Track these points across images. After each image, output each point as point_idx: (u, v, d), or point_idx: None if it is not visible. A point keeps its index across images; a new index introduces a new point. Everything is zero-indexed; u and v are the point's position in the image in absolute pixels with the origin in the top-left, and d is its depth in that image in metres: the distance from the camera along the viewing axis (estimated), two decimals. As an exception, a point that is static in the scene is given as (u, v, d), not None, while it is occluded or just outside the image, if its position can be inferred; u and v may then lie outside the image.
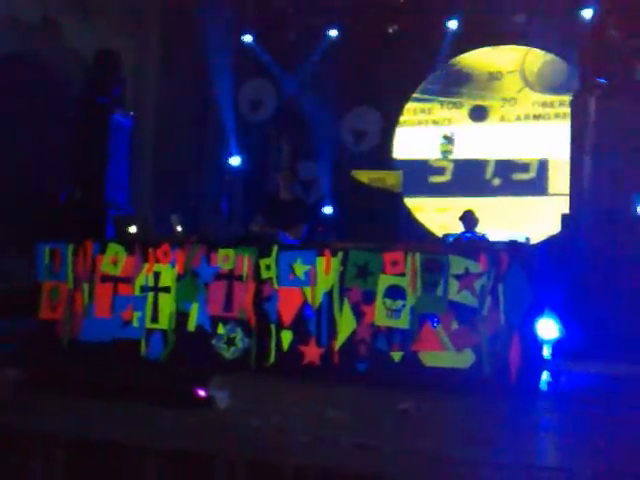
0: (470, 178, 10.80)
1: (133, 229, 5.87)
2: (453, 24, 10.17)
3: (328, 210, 10.85)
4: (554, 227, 9.11)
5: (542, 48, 10.41)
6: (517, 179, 10.64)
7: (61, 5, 8.89)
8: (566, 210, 7.27)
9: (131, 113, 7.11)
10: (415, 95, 11.16)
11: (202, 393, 3.95)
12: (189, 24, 9.88)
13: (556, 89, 10.43)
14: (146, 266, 5.44)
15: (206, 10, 10.23)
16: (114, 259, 5.49)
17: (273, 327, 5.19)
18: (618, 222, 6.49)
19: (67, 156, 7.00)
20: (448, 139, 10.99)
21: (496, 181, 10.75)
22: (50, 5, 8.77)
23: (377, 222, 10.07)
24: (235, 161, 10.92)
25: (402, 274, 4.97)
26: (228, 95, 10.88)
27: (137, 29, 9.21)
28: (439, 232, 10.00)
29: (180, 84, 9.64)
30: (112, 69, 6.91)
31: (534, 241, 8.36)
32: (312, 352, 5.10)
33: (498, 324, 4.75)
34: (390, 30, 10.37)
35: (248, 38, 10.81)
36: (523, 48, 10.58)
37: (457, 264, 4.85)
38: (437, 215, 10.86)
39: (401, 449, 3.24)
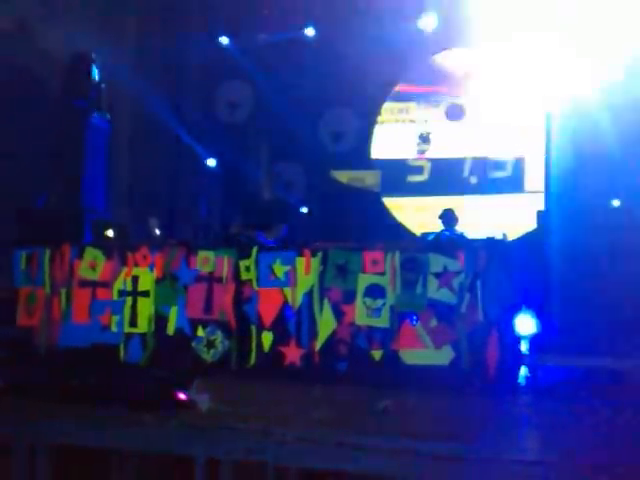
0: (448, 177, 10.85)
1: (110, 233, 5.84)
2: (429, 23, 10.22)
3: (304, 210, 10.85)
4: (531, 224, 9.21)
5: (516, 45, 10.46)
6: (494, 177, 10.71)
7: (34, 8, 8.80)
8: (542, 207, 7.34)
9: (108, 116, 7.06)
10: (392, 95, 11.20)
11: (183, 396, 3.94)
12: (164, 26, 9.84)
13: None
14: (125, 270, 5.41)
15: (181, 12, 10.20)
16: (92, 263, 5.45)
17: (254, 328, 5.19)
18: (592, 217, 6.58)
19: (43, 160, 6.94)
20: (424, 138, 11.04)
21: (473, 179, 10.81)
22: (23, 9, 8.69)
23: (356, 221, 10.10)
24: (212, 162, 10.89)
25: (382, 273, 4.99)
26: (205, 97, 10.84)
27: (111, 31, 9.14)
28: (418, 231, 10.03)
29: (155, 86, 9.59)
30: (87, 72, 6.86)
31: (511, 238, 8.43)
32: (293, 353, 5.11)
33: (477, 321, 4.80)
34: (368, 31, 10.37)
35: (224, 40, 10.77)
36: (500, 46, 10.63)
37: (436, 262, 4.89)
38: (416, 214, 10.89)
39: (383, 447, 3.26)
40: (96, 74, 7.02)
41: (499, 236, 5.49)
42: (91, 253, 5.47)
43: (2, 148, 8.08)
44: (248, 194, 6.25)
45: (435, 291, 4.87)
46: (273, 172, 11.11)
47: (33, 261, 5.54)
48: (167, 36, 9.76)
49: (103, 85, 7.05)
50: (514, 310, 4.91)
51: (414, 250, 5.04)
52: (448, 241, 6.01)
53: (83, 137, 6.70)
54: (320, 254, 5.12)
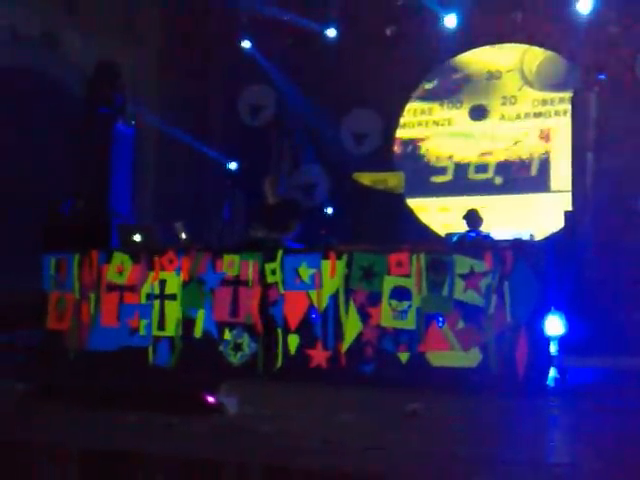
0: (472, 177, 10.79)
1: (137, 237, 5.89)
2: (451, 22, 10.17)
3: (330, 212, 10.85)
4: (557, 224, 9.11)
5: (541, 45, 10.40)
6: (519, 177, 10.63)
7: (60, 18, 8.93)
8: (569, 207, 7.26)
9: (133, 122, 7.14)
10: (415, 96, 11.17)
11: (211, 399, 3.96)
12: (187, 32, 9.93)
13: (556, 86, 10.41)
14: (152, 274, 5.46)
15: (204, 18, 10.28)
16: (120, 268, 5.51)
17: (280, 331, 5.21)
18: (620, 218, 6.50)
19: (70, 167, 7.04)
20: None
21: (498, 180, 10.74)
22: (49, 19, 8.82)
23: (380, 223, 10.06)
24: (233, 165, 10.94)
25: (407, 275, 4.98)
26: (228, 101, 10.90)
27: (135, 37, 9.24)
28: (442, 232, 9.99)
29: (179, 91, 9.68)
30: (112, 80, 6.95)
31: (538, 238, 8.35)
32: (319, 355, 5.11)
33: (505, 322, 4.76)
34: (388, 32, 10.37)
35: (246, 44, 10.83)
36: (522, 46, 10.56)
37: (462, 264, 4.86)
38: (440, 215, 10.85)
39: (411, 451, 3.24)
40: (121, 82, 7.10)
41: (526, 236, 5.44)
42: (119, 257, 5.53)
43: (28, 154, 8.21)
44: (258, 201, 6.33)
45: (462, 293, 4.84)
46: (295, 173, 11.13)
47: (62, 266, 5.61)
48: (190, 40, 9.85)
49: (127, 92, 7.13)
50: (543, 311, 4.86)
51: (440, 251, 5.01)
52: (474, 242, 5.96)
53: (109, 143, 6.78)
54: (345, 257, 5.12)
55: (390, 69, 10.27)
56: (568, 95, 10.04)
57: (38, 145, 7.99)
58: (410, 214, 10.88)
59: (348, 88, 10.46)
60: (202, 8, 10.30)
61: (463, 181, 10.86)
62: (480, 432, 3.70)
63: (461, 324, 4.83)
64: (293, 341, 5.18)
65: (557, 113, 10.41)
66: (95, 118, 6.79)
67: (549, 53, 10.41)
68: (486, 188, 10.67)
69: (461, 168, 10.92)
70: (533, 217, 10.17)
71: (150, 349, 5.40)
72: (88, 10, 9.31)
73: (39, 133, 8.11)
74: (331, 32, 10.60)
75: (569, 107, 8.96)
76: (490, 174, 10.76)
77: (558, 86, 10.36)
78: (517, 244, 5.05)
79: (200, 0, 10.16)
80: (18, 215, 7.96)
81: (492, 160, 10.74)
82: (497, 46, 10.66)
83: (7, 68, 8.26)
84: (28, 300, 5.74)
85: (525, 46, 10.53)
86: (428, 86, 11.10)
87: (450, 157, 10.99)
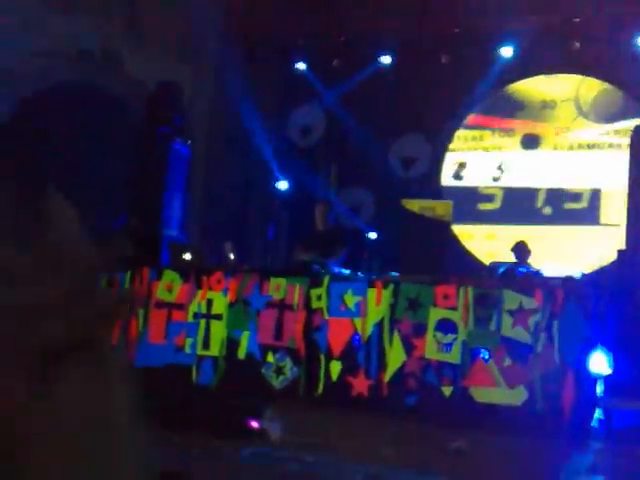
0: (520, 206, 10.67)
1: (188, 256, 5.99)
2: (507, 52, 10.14)
3: (373, 236, 10.85)
4: (606, 258, 8.94)
5: (597, 77, 10.28)
6: (569, 208, 10.46)
7: (120, 36, 9.18)
8: (619, 241, 7.12)
9: (189, 142, 7.29)
10: (466, 122, 11.13)
11: (255, 425, 3.99)
12: (243, 53, 10.10)
13: (611, 118, 10.26)
14: (200, 293, 5.53)
15: (260, 38, 10.44)
16: (169, 286, 5.60)
17: (322, 357, 5.21)
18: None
19: (125, 183, 7.20)
20: (500, 167, 10.91)
21: (547, 210, 10.59)
22: (109, 36, 9.07)
23: (424, 249, 10.01)
24: (283, 185, 11.05)
25: (454, 308, 4.94)
26: (278, 121, 11.03)
27: (194, 59, 9.43)
28: (487, 260, 9.89)
29: (232, 111, 9.82)
30: (174, 100, 7.11)
31: (586, 272, 8.21)
32: (361, 384, 5.10)
33: (552, 361, 4.68)
34: (443, 59, 10.37)
35: (301, 66, 10.97)
36: (577, 76, 10.45)
37: (511, 299, 4.81)
38: (486, 243, 10.74)
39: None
40: (181, 102, 7.26)
41: (577, 274, 5.36)
42: (169, 275, 5.62)
43: (84, 169, 8.42)
44: (314, 218, 6.34)
45: (509, 329, 4.78)
46: (341, 195, 11.17)
47: (114, 283, 5.72)
48: (246, 62, 10.01)
49: (186, 113, 7.28)
50: (590, 351, 4.77)
51: (488, 286, 4.97)
52: (524, 278, 5.89)
53: (166, 162, 6.93)
54: (392, 286, 5.11)
55: (443, 95, 10.27)
56: (624, 127, 9.91)
57: (95, 160, 8.19)
58: (455, 241, 10.79)
59: (399, 112, 10.48)
60: (258, 27, 10.47)
61: (511, 209, 10.74)
62: (522, 473, 3.64)
63: (507, 361, 4.77)
64: (335, 368, 5.18)
65: (611, 145, 10.24)
66: (154, 137, 6.94)
67: (606, 85, 10.27)
68: (535, 218, 10.54)
69: (510, 196, 10.81)
70: (581, 249, 9.99)
71: (194, 368, 5.46)
72: (148, 27, 9.55)
73: (96, 148, 8.32)
74: (386, 59, 10.65)
75: (624, 140, 8.83)
76: (539, 204, 10.63)
77: (614, 118, 10.21)
78: (568, 282, 4.97)
79: (259, 17, 10.32)
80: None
81: (542, 190, 10.61)
82: (552, 76, 10.56)
83: (68, 83, 8.51)
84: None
85: (581, 77, 10.41)
86: (480, 114, 11.05)
87: (499, 185, 10.90)
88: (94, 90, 8.57)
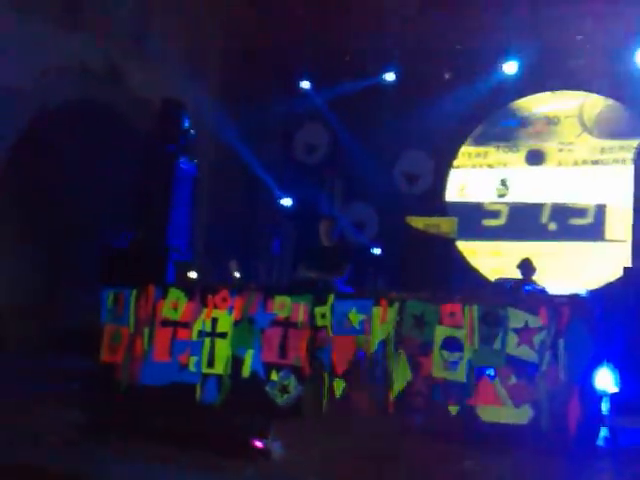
0: (525, 222, 10.68)
1: (193, 274, 5.99)
2: (511, 68, 10.18)
3: (377, 251, 10.85)
4: (611, 274, 8.92)
5: (601, 93, 10.31)
6: (574, 224, 10.46)
7: (124, 52, 9.24)
8: (624, 257, 7.11)
9: (195, 160, 7.33)
10: (471, 139, 11.16)
11: (259, 444, 3.97)
12: (247, 71, 10.16)
13: (615, 134, 10.28)
14: (205, 311, 5.52)
15: (264, 56, 10.51)
16: (175, 304, 5.59)
17: (326, 375, 5.18)
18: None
19: (131, 200, 7.23)
20: (503, 183, 10.92)
21: (552, 225, 10.59)
22: (114, 52, 9.14)
23: (429, 265, 10.00)
24: (287, 202, 11.07)
25: (459, 326, 4.92)
26: (284, 138, 11.08)
27: (197, 77, 9.49)
28: (492, 276, 9.88)
29: (236, 129, 9.87)
30: (178, 118, 7.15)
31: (591, 288, 8.18)
32: (366, 402, 5.07)
33: (558, 380, 4.65)
34: (447, 76, 10.42)
35: (306, 84, 11.03)
36: (581, 93, 10.49)
37: (516, 318, 4.78)
38: (490, 259, 10.74)
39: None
40: (186, 120, 7.29)
41: (582, 292, 5.34)
42: (174, 294, 5.61)
43: (90, 186, 8.47)
44: (318, 234, 6.37)
45: (515, 348, 4.76)
46: (346, 213, 11.20)
47: (120, 300, 5.73)
48: (250, 80, 10.07)
49: (192, 131, 7.32)
50: (596, 370, 4.75)
51: (493, 304, 4.95)
52: (530, 296, 5.87)
53: (171, 180, 6.95)
54: (397, 304, 5.09)
55: (446, 111, 10.31)
56: (628, 143, 9.92)
57: (100, 176, 8.24)
58: (460, 257, 10.78)
59: (402, 129, 10.53)
60: (262, 45, 10.54)
61: (516, 226, 10.74)
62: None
63: (513, 379, 4.74)
64: (339, 386, 5.15)
65: (616, 161, 10.25)
66: (160, 154, 6.97)
67: (610, 101, 10.30)
68: (540, 234, 10.53)
69: (515, 212, 10.81)
70: (586, 265, 9.98)
71: (199, 386, 5.44)
72: (152, 44, 9.63)
73: (102, 164, 8.37)
74: (390, 76, 10.71)
75: (629, 155, 8.85)
76: (544, 220, 10.63)
77: (618, 134, 10.23)
78: (574, 300, 4.94)
79: (262, 36, 10.40)
80: (80, 245, 8.19)
81: (547, 206, 10.61)
82: (556, 92, 10.60)
83: (72, 102, 8.56)
84: (87, 329, 5.87)
85: (585, 93, 10.45)
86: (485, 129, 11.08)
87: (504, 201, 10.90)
88: (99, 107, 8.63)
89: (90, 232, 8.04)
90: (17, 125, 7.96)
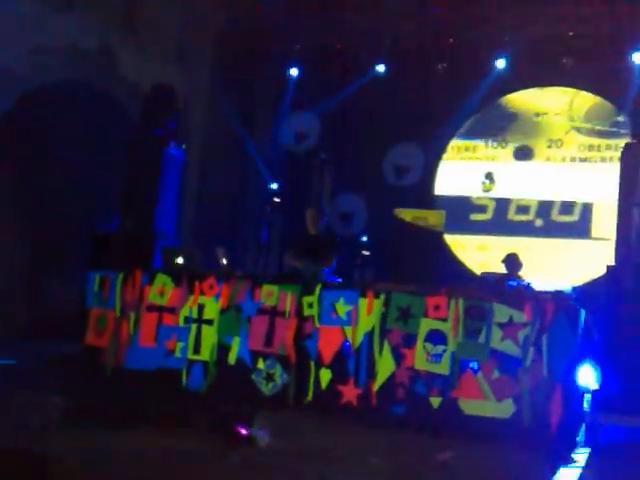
0: (512, 217, 10.74)
1: (180, 260, 5.99)
2: (501, 64, 10.20)
3: (364, 241, 10.86)
4: (596, 272, 8.99)
5: (590, 91, 10.36)
6: (560, 221, 10.54)
7: (116, 34, 9.16)
8: (609, 256, 7.16)
9: (183, 146, 7.29)
10: (460, 133, 11.19)
11: (244, 432, 4.00)
12: (239, 58, 10.10)
13: (604, 133, 10.36)
14: (191, 298, 5.53)
15: (256, 44, 10.46)
16: (161, 289, 5.59)
17: (312, 365, 5.22)
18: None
19: (119, 184, 7.19)
20: (489, 177, 10.96)
21: (538, 222, 10.66)
22: (106, 34, 9.04)
23: (416, 258, 10.06)
24: (274, 186, 11.05)
25: (444, 319, 4.97)
26: (273, 127, 11.05)
27: (188, 61, 9.43)
28: (478, 270, 9.94)
29: (226, 116, 9.83)
30: (168, 102, 7.11)
31: (576, 285, 8.24)
32: (350, 392, 5.11)
33: (540, 375, 4.71)
34: (440, 68, 10.42)
35: (294, 71, 10.99)
36: (571, 90, 10.54)
37: (501, 312, 4.83)
38: (477, 253, 10.80)
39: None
40: (176, 105, 7.25)
41: (567, 289, 5.40)
42: (161, 279, 5.62)
43: (79, 169, 8.39)
44: (297, 230, 6.38)
45: (499, 342, 4.81)
46: (334, 202, 11.20)
47: (106, 284, 5.72)
48: (241, 67, 10.02)
49: (181, 115, 7.28)
50: (578, 365, 4.81)
51: (479, 298, 4.99)
52: (515, 291, 5.92)
53: (160, 165, 6.92)
54: (383, 296, 5.13)
55: (437, 105, 10.32)
56: (615, 142, 10.00)
57: (88, 160, 8.16)
58: (447, 250, 10.83)
59: (393, 121, 10.53)
60: (253, 32, 10.48)
61: (503, 221, 10.80)
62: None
63: (496, 374, 4.79)
64: (325, 376, 5.20)
65: (603, 159, 10.33)
66: (149, 139, 6.93)
67: (598, 99, 10.36)
68: (526, 229, 10.60)
69: (501, 208, 10.87)
70: (571, 262, 10.06)
71: (184, 372, 5.45)
72: (145, 28, 9.54)
73: (90, 147, 8.30)
74: (380, 68, 10.70)
75: (616, 154, 8.89)
76: (531, 216, 10.69)
77: (606, 133, 10.30)
78: (558, 297, 4.99)
79: (252, 23, 10.34)
80: (65, 229, 8.12)
81: (534, 202, 10.67)
82: (546, 89, 10.64)
83: (63, 82, 8.47)
84: (71, 312, 5.85)
85: (574, 90, 10.50)
86: (474, 124, 11.11)
87: (491, 196, 10.96)
88: (90, 89, 8.54)
89: (76, 217, 7.98)
90: (5, 106, 7.87)
